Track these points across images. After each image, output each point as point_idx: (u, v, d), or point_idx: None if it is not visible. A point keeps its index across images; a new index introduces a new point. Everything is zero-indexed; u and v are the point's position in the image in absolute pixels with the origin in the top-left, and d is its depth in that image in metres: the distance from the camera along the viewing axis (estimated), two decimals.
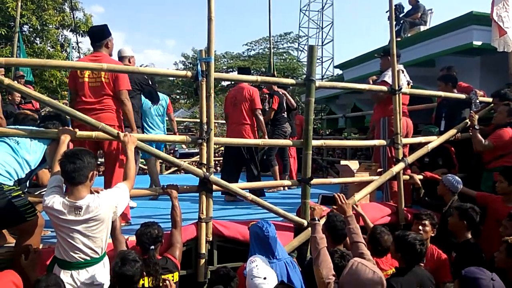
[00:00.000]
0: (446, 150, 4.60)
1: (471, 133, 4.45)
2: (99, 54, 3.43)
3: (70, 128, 2.91)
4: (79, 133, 2.94)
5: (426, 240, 3.08)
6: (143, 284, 2.45)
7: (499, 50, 4.81)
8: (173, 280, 2.62)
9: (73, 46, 12.84)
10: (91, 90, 3.33)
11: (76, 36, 12.79)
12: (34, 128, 2.89)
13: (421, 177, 4.27)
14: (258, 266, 2.43)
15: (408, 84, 4.65)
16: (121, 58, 4.49)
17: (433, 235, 3.33)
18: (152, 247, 2.64)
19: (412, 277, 2.66)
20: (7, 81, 2.94)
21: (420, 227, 3.30)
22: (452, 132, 4.46)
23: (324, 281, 2.22)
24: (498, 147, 4.25)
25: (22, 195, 2.63)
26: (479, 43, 6.24)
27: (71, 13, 13.39)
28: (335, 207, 3.14)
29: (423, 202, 4.15)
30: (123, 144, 2.90)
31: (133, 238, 2.87)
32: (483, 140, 4.29)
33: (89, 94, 3.32)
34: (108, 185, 3.23)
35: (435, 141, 4.32)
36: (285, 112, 5.92)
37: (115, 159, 3.38)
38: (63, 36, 15.12)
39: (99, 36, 3.51)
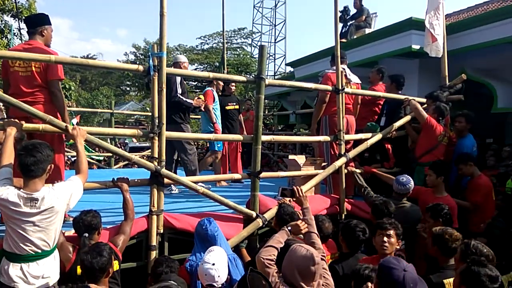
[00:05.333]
0: (383, 145, 4.99)
1: (411, 106, 4.86)
2: (31, 42, 3.30)
3: (16, 120, 2.83)
4: (25, 125, 2.87)
5: (391, 253, 2.86)
6: (75, 272, 2.50)
7: (431, 55, 5.25)
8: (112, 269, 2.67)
9: (15, 33, 12.10)
10: (22, 80, 3.21)
11: (18, 22, 12.05)
12: None
13: (359, 170, 4.61)
14: (211, 254, 2.56)
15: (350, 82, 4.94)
16: (175, 63, 5.13)
17: (398, 247, 2.98)
18: (86, 234, 2.67)
19: (354, 261, 2.92)
20: None
21: (385, 238, 2.87)
22: (389, 129, 4.83)
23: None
24: (426, 128, 4.66)
25: None
26: (417, 47, 6.75)
27: None
28: (293, 198, 3.31)
29: (363, 195, 4.45)
30: (72, 138, 2.89)
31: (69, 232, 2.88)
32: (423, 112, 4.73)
33: (20, 84, 3.20)
34: None
35: (373, 137, 4.67)
36: None
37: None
38: (3, 22, 14.13)
39: (34, 22, 3.40)
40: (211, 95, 5.65)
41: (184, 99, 4.98)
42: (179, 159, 5.31)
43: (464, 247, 2.57)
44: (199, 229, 2.98)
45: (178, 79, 4.95)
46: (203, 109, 5.42)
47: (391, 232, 2.91)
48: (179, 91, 4.94)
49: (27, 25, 3.44)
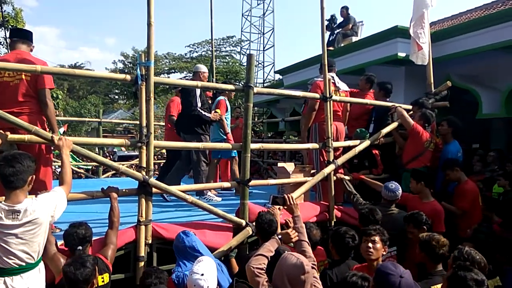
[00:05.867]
0: (371, 152, 5.03)
1: (397, 113, 4.93)
2: (19, 52, 3.31)
3: (1, 131, 2.79)
4: (11, 136, 2.85)
5: (378, 259, 2.90)
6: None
7: (417, 63, 5.34)
8: (103, 282, 2.63)
9: (1, 42, 11.98)
10: (11, 90, 3.18)
11: (5, 31, 11.93)
12: None
13: (348, 177, 4.64)
14: (200, 264, 2.54)
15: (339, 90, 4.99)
16: (195, 73, 5.26)
17: (384, 253, 2.99)
18: (80, 247, 2.64)
19: (345, 268, 2.93)
20: None
21: (370, 244, 2.91)
22: (376, 136, 4.88)
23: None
24: (413, 134, 4.72)
25: None
26: (403, 54, 6.85)
27: None
28: (285, 206, 3.31)
29: (353, 202, 4.47)
30: (58, 148, 2.86)
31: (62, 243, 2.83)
32: (409, 118, 4.80)
33: (8, 95, 3.17)
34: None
35: (361, 144, 4.70)
36: None
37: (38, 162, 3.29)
38: None
39: (28, 36, 3.44)
40: (224, 104, 5.64)
41: (203, 112, 5.07)
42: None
43: (457, 254, 2.61)
44: (176, 242, 2.98)
45: (198, 91, 5.04)
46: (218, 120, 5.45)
47: (376, 238, 2.94)
48: (199, 104, 5.02)
49: (22, 35, 3.43)
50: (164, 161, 12.39)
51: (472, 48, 6.31)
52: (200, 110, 5.02)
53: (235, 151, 5.74)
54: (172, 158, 5.65)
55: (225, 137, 5.56)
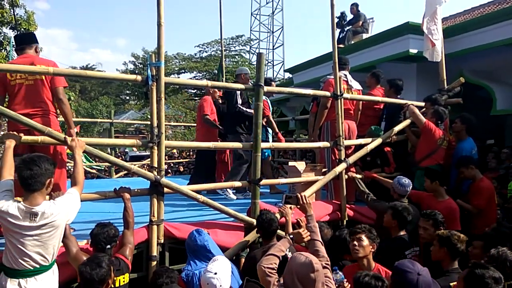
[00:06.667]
0: (383, 150, 4.98)
1: (409, 111, 4.88)
2: (29, 56, 3.32)
3: (15, 132, 2.83)
4: (24, 137, 2.88)
5: (366, 256, 2.89)
6: None
7: (430, 60, 5.26)
8: (124, 281, 2.65)
9: (13, 45, 12.14)
10: (25, 91, 3.20)
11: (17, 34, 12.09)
12: None
13: (360, 176, 4.60)
14: (214, 263, 2.55)
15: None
16: (238, 75, 5.45)
17: (373, 250, 2.94)
18: (109, 246, 2.70)
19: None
20: None
21: (356, 242, 2.91)
22: (388, 134, 4.83)
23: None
24: (425, 132, 4.65)
25: None
26: (415, 51, 6.78)
27: (11, 10, 12.70)
28: (298, 206, 3.30)
29: (366, 201, 4.42)
30: (71, 149, 2.89)
31: (82, 243, 2.87)
32: (421, 116, 4.74)
33: (22, 96, 3.19)
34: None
35: (373, 142, 4.66)
36: None
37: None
38: (2, 34, 14.20)
39: (30, 39, 3.46)
40: (267, 104, 5.57)
41: (245, 109, 5.11)
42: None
43: (494, 251, 2.65)
44: (188, 240, 3.01)
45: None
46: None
47: (362, 236, 2.94)
48: (239, 101, 5.10)
49: (27, 40, 3.45)
50: (174, 161, 12.49)
51: (485, 43, 6.21)
52: (241, 107, 5.09)
53: (268, 151, 5.77)
54: (203, 158, 5.65)
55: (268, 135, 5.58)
